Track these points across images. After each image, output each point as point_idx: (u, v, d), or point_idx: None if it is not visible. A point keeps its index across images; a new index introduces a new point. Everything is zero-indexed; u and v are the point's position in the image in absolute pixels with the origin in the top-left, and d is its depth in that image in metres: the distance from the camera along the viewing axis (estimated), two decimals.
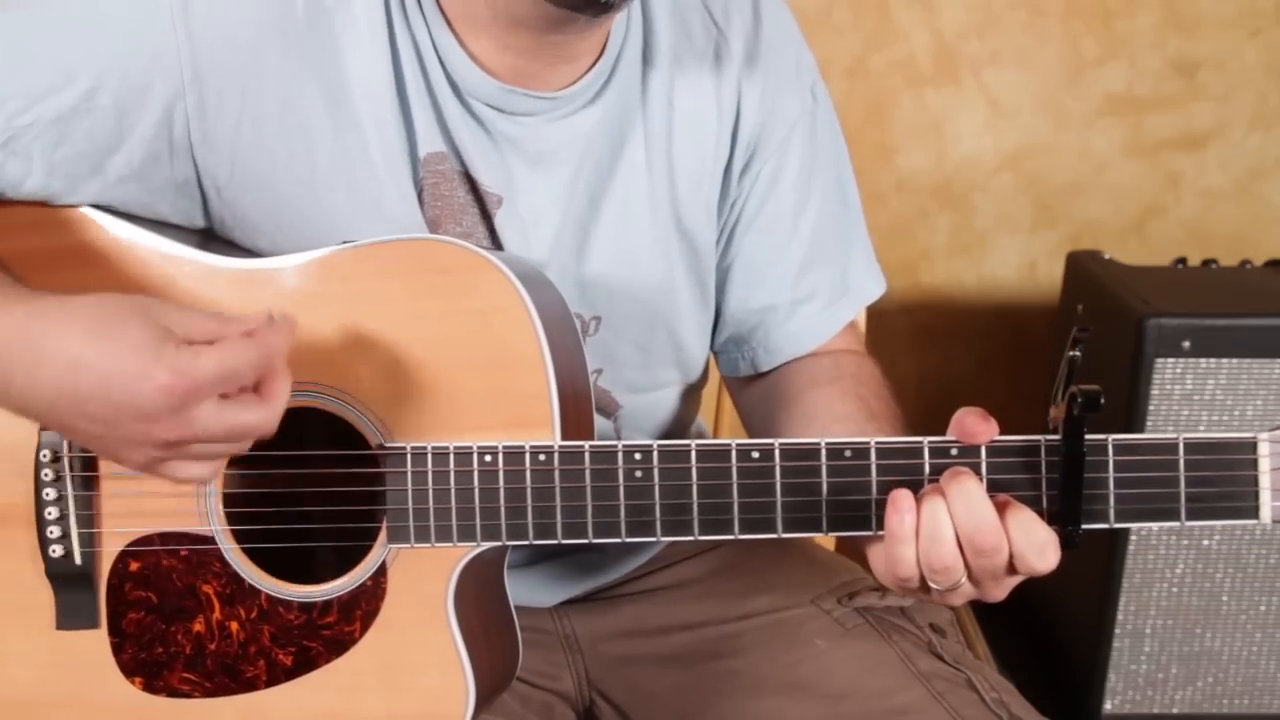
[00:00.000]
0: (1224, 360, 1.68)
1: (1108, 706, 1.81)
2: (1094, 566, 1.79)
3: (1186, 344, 1.67)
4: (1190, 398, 1.69)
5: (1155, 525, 1.71)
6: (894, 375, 1.15)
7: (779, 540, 1.24)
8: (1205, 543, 1.75)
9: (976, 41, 2.11)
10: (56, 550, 0.97)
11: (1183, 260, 1.93)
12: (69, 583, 0.98)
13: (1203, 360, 1.68)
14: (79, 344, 0.81)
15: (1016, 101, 2.14)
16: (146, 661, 0.98)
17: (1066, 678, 1.89)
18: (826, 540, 1.43)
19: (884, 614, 1.13)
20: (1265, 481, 0.85)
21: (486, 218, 1.04)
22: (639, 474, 0.90)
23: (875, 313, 1.24)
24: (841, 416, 1.06)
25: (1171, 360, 1.68)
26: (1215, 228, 2.20)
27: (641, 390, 1.15)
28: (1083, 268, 1.90)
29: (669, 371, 1.17)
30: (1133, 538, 1.75)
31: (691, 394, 1.22)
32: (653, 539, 0.91)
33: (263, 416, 0.83)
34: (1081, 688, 1.83)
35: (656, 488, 0.90)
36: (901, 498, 0.86)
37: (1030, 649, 2.01)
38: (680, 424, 1.21)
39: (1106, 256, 1.91)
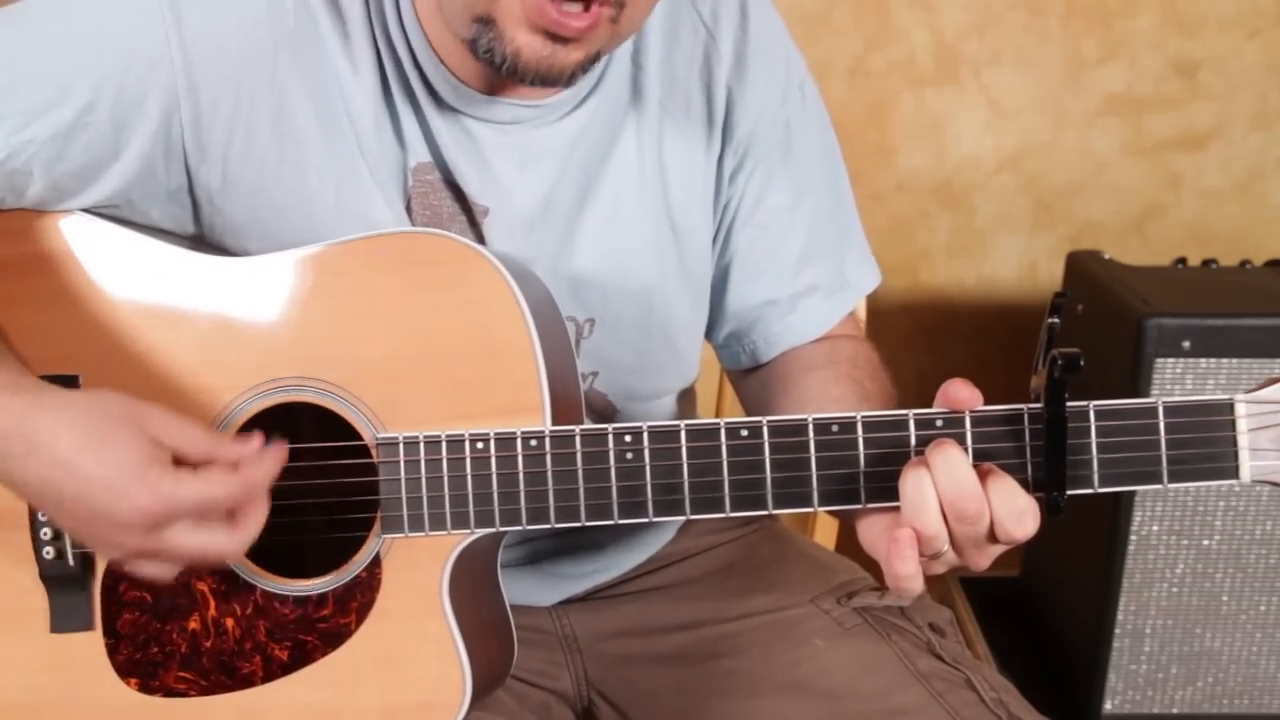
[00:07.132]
0: (1224, 360, 1.68)
1: (1108, 706, 1.80)
2: (1094, 566, 1.79)
3: (1186, 344, 1.67)
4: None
5: (1156, 524, 1.74)
6: (894, 375, 1.15)
7: (778, 539, 1.25)
8: (1205, 543, 1.75)
9: (977, 41, 2.11)
10: (50, 552, 0.97)
11: (1183, 260, 1.93)
12: (63, 585, 0.98)
13: (1203, 360, 1.68)
14: (69, 449, 0.85)
15: (1016, 101, 2.14)
16: (142, 661, 0.98)
17: (1066, 678, 1.88)
18: (826, 539, 1.43)
19: (883, 614, 1.13)
20: (1244, 441, 0.86)
21: (474, 226, 1.04)
22: (630, 455, 0.91)
23: (875, 313, 1.24)
24: (836, 398, 1.07)
25: (1171, 360, 1.67)
26: (1215, 228, 2.20)
27: (641, 399, 1.15)
28: (1083, 268, 1.89)
29: (666, 378, 1.17)
30: (1133, 537, 1.74)
31: (687, 396, 1.23)
32: (645, 520, 0.92)
33: (231, 545, 0.88)
34: (1081, 688, 1.83)
35: (647, 468, 0.91)
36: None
37: (1030, 649, 2.00)
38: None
39: (1106, 256, 1.91)
